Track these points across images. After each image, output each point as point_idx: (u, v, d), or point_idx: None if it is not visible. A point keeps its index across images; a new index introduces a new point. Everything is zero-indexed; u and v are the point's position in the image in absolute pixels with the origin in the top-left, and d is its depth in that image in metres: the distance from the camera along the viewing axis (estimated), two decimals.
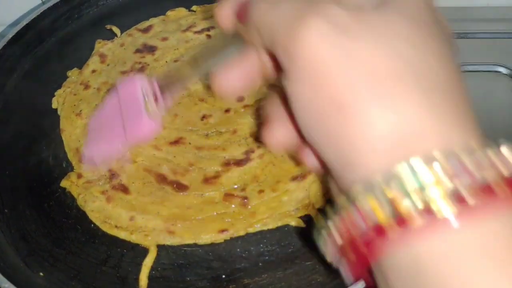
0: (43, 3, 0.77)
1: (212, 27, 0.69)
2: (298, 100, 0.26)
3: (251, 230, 0.51)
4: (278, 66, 0.29)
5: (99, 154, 0.51)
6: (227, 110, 0.60)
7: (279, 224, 0.51)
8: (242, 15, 0.31)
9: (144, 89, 0.45)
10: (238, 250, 0.50)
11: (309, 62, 0.25)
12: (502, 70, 0.76)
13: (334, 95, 0.24)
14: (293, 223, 0.51)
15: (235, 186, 0.54)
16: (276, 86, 0.31)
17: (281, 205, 0.53)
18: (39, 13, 0.67)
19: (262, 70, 0.32)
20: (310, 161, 0.32)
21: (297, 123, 0.28)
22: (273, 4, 0.28)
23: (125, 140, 0.47)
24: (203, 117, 0.60)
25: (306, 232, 0.51)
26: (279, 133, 0.32)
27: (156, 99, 0.44)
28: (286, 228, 0.51)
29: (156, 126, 0.46)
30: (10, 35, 0.63)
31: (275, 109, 0.32)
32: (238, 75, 0.33)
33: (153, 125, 0.45)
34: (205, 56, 0.40)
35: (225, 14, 0.33)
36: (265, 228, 0.51)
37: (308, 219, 0.52)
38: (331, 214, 0.26)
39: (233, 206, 0.52)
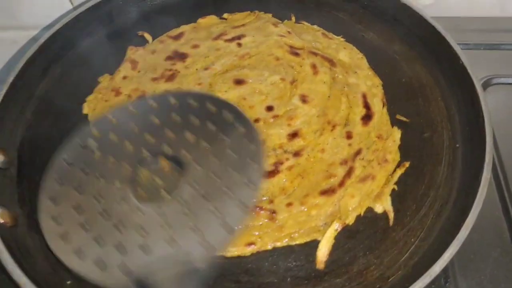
0: (74, 8, 0.77)
1: (243, 36, 0.69)
2: None
3: (278, 244, 0.50)
4: None
5: None
6: (256, 120, 0.60)
7: (307, 239, 0.51)
8: None
9: None
10: (266, 264, 0.49)
11: None
12: None
13: None
14: (321, 238, 0.51)
15: (263, 198, 0.53)
16: None
17: (309, 220, 0.52)
18: (71, 18, 0.67)
19: None
20: None
21: None
22: None
23: None
24: None
25: (336, 248, 0.50)
26: None
27: None
28: (315, 243, 0.51)
29: None
30: (42, 40, 0.63)
31: None
32: None
33: None
34: None
35: None
36: (292, 243, 0.51)
37: (337, 235, 0.51)
38: None
39: (261, 219, 0.52)
